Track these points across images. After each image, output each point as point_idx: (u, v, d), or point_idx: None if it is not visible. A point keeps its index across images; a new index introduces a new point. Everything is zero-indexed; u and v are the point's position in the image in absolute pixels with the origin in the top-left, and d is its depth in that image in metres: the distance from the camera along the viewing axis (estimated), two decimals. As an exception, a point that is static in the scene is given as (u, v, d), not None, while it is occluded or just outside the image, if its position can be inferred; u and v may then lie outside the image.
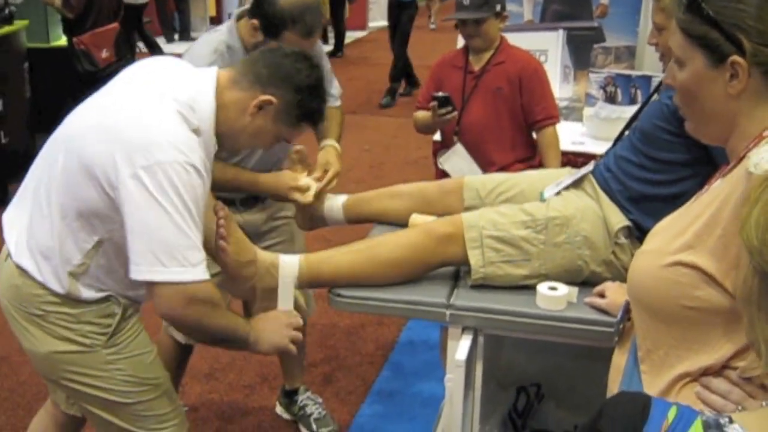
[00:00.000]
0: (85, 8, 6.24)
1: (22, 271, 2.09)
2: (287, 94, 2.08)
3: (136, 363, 2.18)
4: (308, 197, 2.67)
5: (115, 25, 6.44)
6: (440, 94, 3.23)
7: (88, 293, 2.09)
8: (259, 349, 2.19)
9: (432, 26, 15.51)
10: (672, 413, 1.07)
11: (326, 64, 3.00)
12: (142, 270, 1.92)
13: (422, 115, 3.40)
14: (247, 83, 2.08)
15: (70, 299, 2.08)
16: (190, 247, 1.92)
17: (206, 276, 1.96)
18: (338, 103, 3.11)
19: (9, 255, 2.13)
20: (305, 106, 2.12)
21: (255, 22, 2.65)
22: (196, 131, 1.99)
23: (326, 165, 2.79)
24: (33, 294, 2.09)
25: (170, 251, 1.90)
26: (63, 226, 2.02)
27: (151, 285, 1.95)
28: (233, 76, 2.09)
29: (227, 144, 2.15)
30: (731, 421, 1.04)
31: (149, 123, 1.95)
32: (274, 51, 2.17)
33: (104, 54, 6.30)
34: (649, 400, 1.10)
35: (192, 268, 1.92)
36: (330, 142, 2.93)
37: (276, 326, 2.19)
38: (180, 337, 3.03)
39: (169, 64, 2.17)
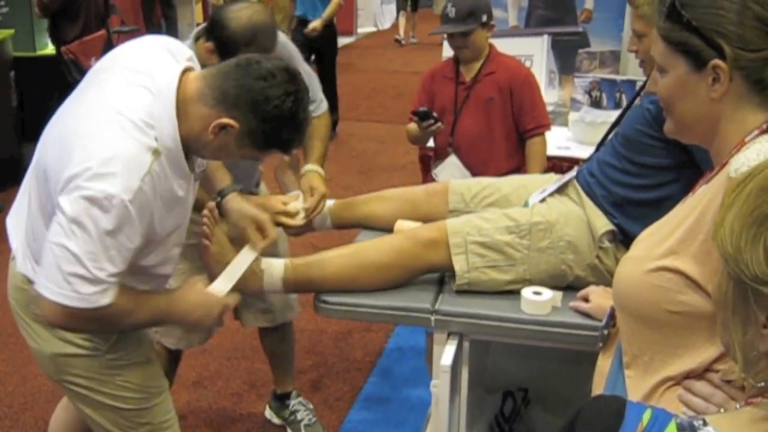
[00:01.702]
0: (69, 14, 6.23)
1: (27, 278, 2.10)
2: (251, 122, 1.89)
3: (137, 370, 2.19)
4: (297, 221, 2.63)
5: (102, 32, 6.43)
6: (420, 109, 3.26)
7: None
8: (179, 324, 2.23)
9: (403, 41, 14.86)
10: (646, 416, 1.08)
11: (304, 67, 2.93)
12: (39, 281, 1.92)
13: (413, 127, 3.41)
14: (212, 99, 1.91)
15: None
16: (85, 279, 1.85)
17: (99, 303, 1.89)
18: (321, 110, 3.05)
19: (14, 259, 2.14)
20: (273, 136, 1.94)
21: (209, 45, 2.59)
22: (156, 152, 1.88)
23: (311, 190, 2.72)
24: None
25: (65, 275, 1.85)
26: (44, 227, 2.00)
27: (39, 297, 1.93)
28: (200, 88, 1.93)
29: (195, 152, 2.02)
30: (705, 424, 1.05)
31: (94, 146, 1.85)
32: (250, 67, 1.93)
33: (93, 62, 6.26)
34: (624, 403, 1.11)
35: (79, 297, 1.87)
36: (311, 167, 2.85)
37: (203, 314, 2.14)
38: (168, 343, 3.03)
39: (133, 65, 2.00)
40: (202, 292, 2.15)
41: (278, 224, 2.61)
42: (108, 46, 6.45)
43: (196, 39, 2.71)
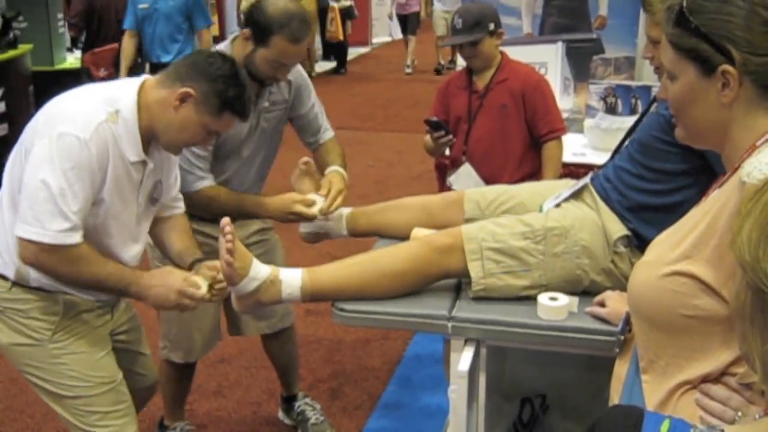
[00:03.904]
0: (87, 28, 6.35)
1: None
2: (203, 85, 2.26)
3: (80, 360, 2.37)
4: (313, 211, 2.74)
5: (114, 45, 6.52)
6: (432, 118, 3.29)
7: (35, 276, 2.29)
8: (144, 302, 2.36)
9: (407, 70, 13.29)
10: (664, 426, 1.08)
11: (312, 98, 3.10)
12: (17, 225, 2.20)
13: (429, 138, 3.45)
14: (169, 82, 2.30)
15: (21, 287, 2.31)
16: (54, 214, 2.14)
17: (66, 242, 2.17)
18: (331, 134, 3.17)
19: None
20: (222, 94, 2.27)
21: (246, 32, 2.76)
22: (113, 115, 2.23)
23: (329, 185, 2.83)
24: None
25: (37, 213, 2.15)
26: (11, 215, 2.26)
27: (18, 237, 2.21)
28: (159, 79, 2.34)
29: (163, 141, 2.34)
30: None
31: (64, 104, 2.28)
32: (193, 53, 2.48)
33: (102, 72, 6.43)
34: (642, 414, 1.11)
35: (50, 234, 2.15)
36: (334, 168, 2.99)
37: (165, 290, 2.32)
38: (177, 357, 3.11)
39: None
40: (168, 271, 2.39)
41: (295, 213, 2.77)
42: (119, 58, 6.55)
43: (233, 39, 2.90)
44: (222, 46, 2.89)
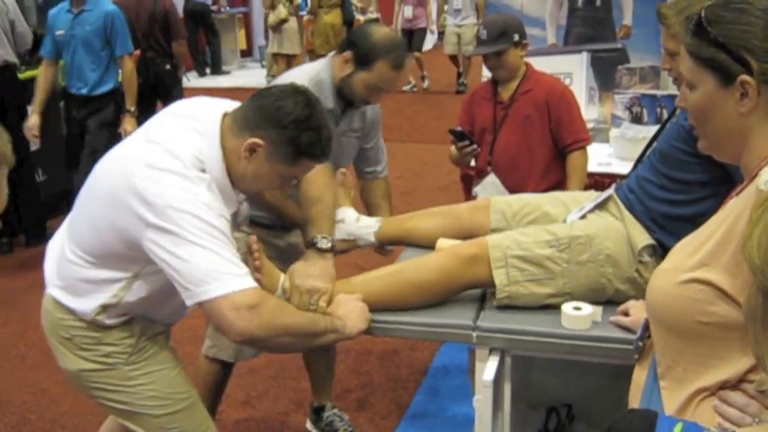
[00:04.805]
0: None
1: (54, 299, 2.23)
2: (272, 134, 2.06)
3: (158, 378, 2.28)
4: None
5: (135, 52, 6.57)
6: (456, 128, 3.32)
7: (111, 321, 2.21)
8: (347, 334, 2.22)
9: (425, 84, 12.72)
10: (677, 429, 1.10)
11: (379, 133, 3.24)
12: (191, 295, 1.98)
13: (453, 149, 3.48)
14: (238, 129, 2.10)
15: (94, 325, 2.20)
16: (224, 263, 1.97)
17: (251, 284, 2.00)
18: (386, 173, 3.33)
19: (48, 285, 2.27)
20: (295, 141, 2.07)
21: (347, 54, 2.83)
22: (209, 187, 2.04)
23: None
24: (59, 318, 2.23)
25: (209, 273, 1.95)
26: (91, 267, 2.15)
27: (207, 310, 1.99)
28: (230, 125, 2.12)
29: (241, 189, 2.19)
30: None
31: (158, 173, 2.01)
32: (261, 93, 2.15)
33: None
34: (655, 417, 1.13)
35: (235, 279, 1.97)
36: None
37: (358, 312, 2.23)
38: (226, 356, 3.09)
39: (185, 116, 2.18)
40: (345, 299, 2.27)
41: None
42: (143, 66, 6.54)
43: (331, 59, 2.94)
44: (322, 65, 2.93)
